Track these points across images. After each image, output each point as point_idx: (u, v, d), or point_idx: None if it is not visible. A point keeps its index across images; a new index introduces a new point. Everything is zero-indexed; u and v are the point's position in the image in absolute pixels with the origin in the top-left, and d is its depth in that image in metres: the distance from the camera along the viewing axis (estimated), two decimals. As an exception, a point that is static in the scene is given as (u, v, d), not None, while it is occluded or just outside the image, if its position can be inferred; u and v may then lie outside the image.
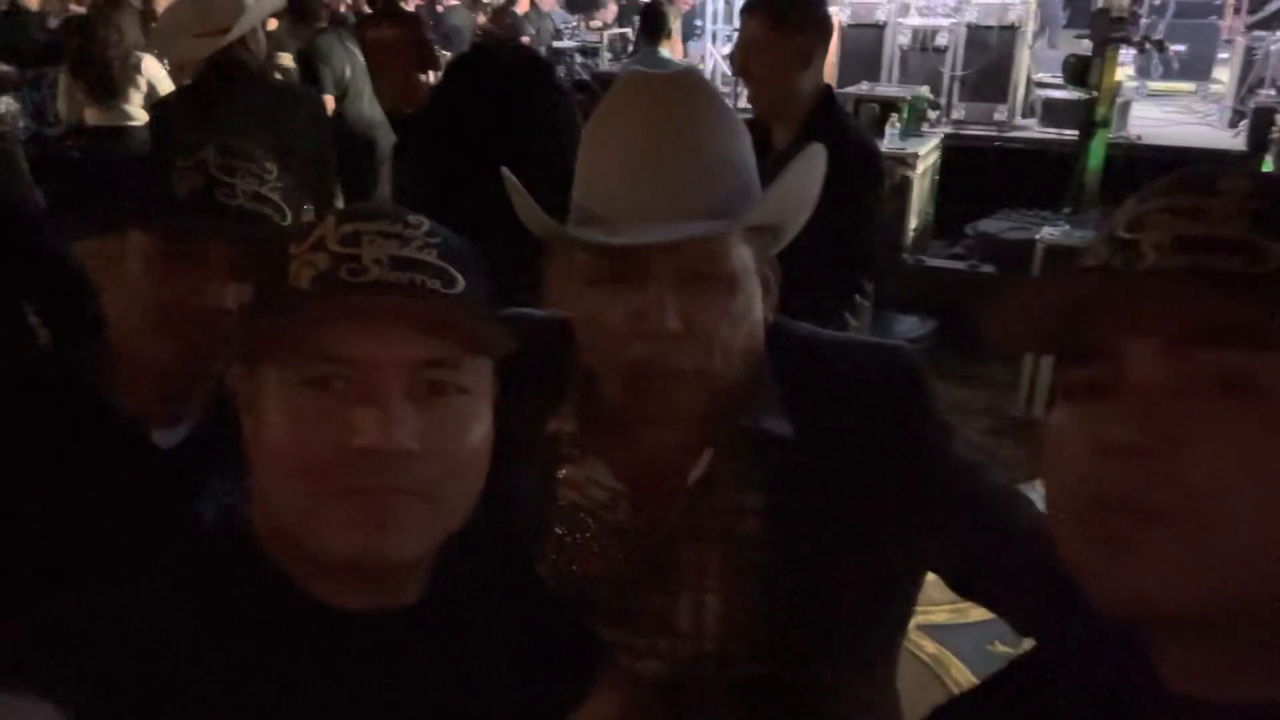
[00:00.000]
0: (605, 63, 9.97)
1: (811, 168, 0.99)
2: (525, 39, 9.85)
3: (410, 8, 8.30)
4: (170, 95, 3.30)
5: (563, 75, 9.12)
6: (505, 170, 1.00)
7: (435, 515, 0.73)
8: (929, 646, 2.89)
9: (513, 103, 1.73)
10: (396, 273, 0.70)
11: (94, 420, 1.09)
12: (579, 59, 9.98)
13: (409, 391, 0.71)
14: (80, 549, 0.93)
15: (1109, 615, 0.58)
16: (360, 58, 5.01)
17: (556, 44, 10.67)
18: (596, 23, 12.10)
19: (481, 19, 10.72)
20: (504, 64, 1.84)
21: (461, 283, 0.72)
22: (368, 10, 7.89)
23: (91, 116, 4.97)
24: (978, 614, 3.08)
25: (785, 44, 2.43)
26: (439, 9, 10.51)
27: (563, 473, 1.04)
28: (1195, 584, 0.54)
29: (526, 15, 11.14)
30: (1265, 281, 0.54)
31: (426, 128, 1.96)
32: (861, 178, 2.34)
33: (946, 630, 2.90)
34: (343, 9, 9.63)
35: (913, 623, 1.17)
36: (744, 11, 2.63)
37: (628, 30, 10.14)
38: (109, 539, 0.86)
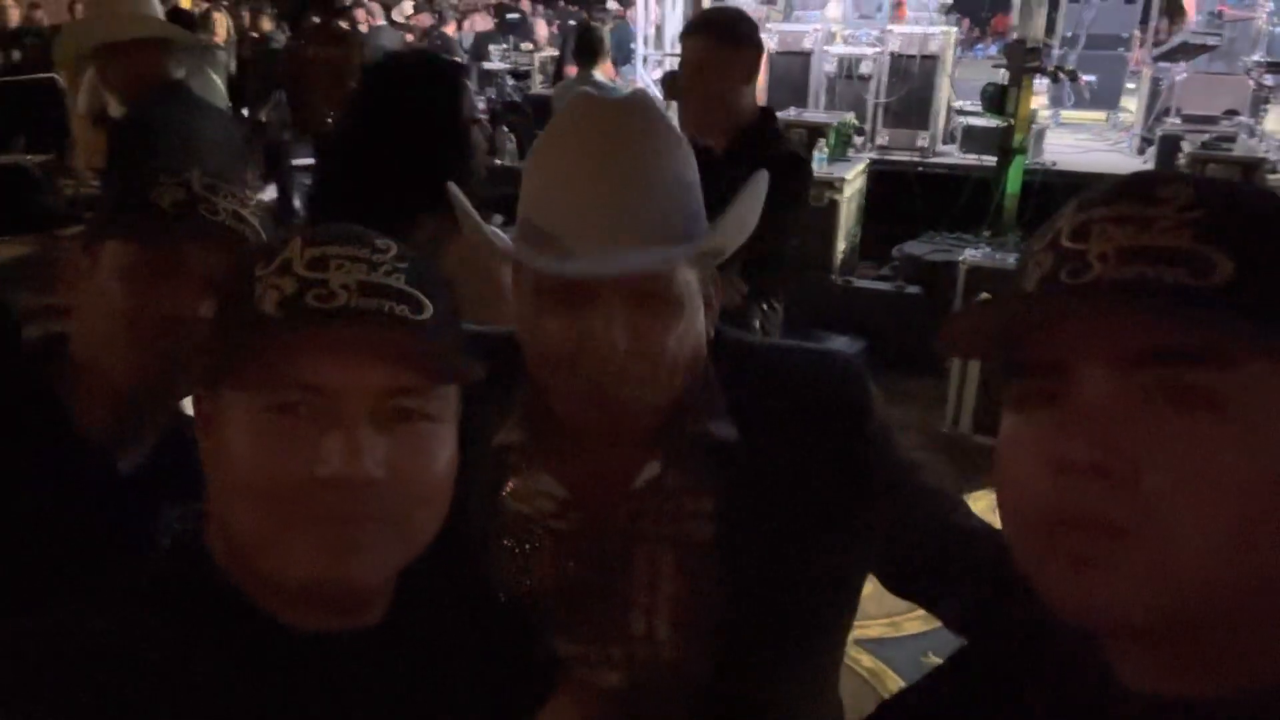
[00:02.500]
0: (537, 85, 9.99)
1: (758, 192, 1.01)
2: (458, 59, 9.82)
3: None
4: (121, 119, 3.24)
5: (494, 97, 9.12)
6: (453, 188, 1.00)
7: (401, 541, 0.73)
8: (865, 660, 2.93)
9: (408, 106, 1.75)
10: (365, 299, 0.69)
11: (54, 440, 1.07)
12: (511, 81, 9.99)
13: (375, 419, 0.70)
14: (32, 574, 0.91)
15: (1072, 627, 0.59)
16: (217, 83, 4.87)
17: (488, 65, 10.67)
18: (528, 45, 12.14)
19: (410, 38, 10.68)
20: (400, 69, 1.86)
21: (429, 308, 0.72)
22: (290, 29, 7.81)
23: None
24: (912, 627, 3.15)
25: (735, 60, 2.56)
26: (363, 29, 10.42)
27: (510, 485, 1.04)
28: (1157, 596, 0.55)
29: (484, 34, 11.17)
30: (1213, 294, 0.53)
31: (336, 140, 1.97)
32: (796, 180, 2.53)
33: (882, 644, 2.94)
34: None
35: (849, 637, 1.19)
36: (690, 34, 2.71)
37: (557, 53, 10.21)
38: (61, 564, 0.84)
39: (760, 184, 1.02)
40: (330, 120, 6.42)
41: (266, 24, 9.08)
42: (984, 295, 4.14)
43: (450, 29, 11.70)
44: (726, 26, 2.61)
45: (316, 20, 7.07)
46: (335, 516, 0.69)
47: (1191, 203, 0.56)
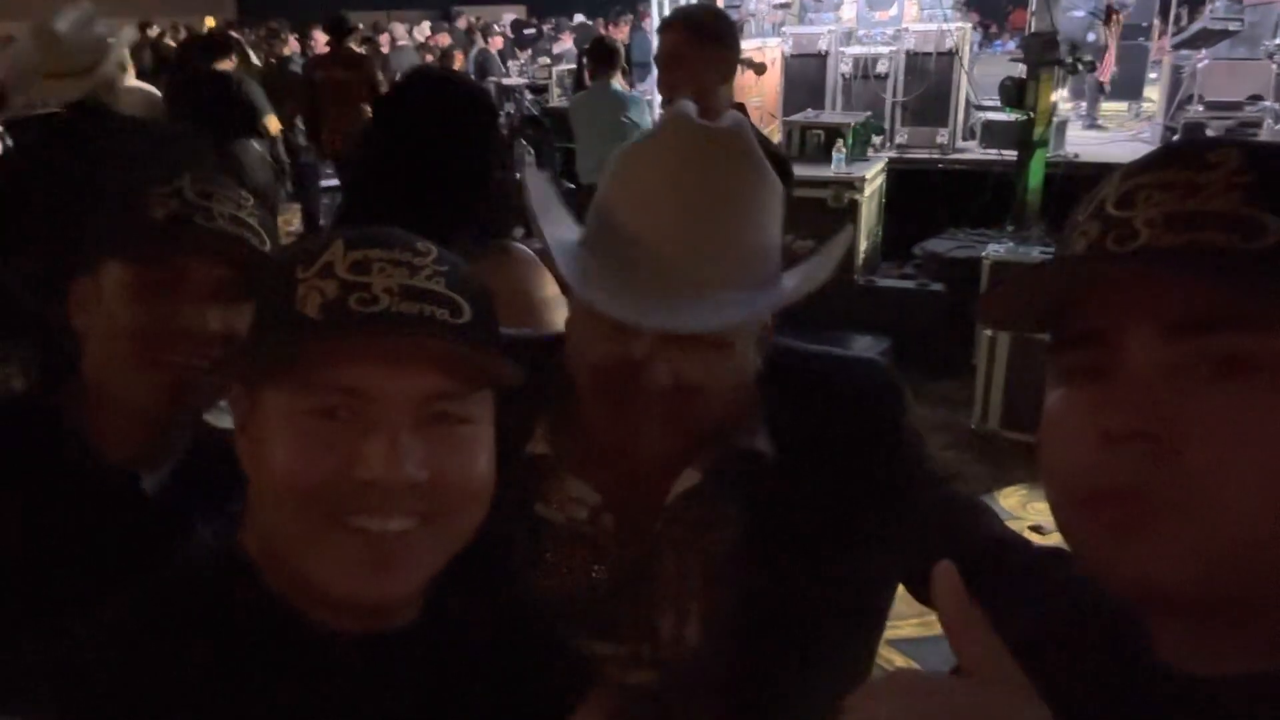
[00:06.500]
0: (555, 98, 10.05)
1: (836, 258, 0.98)
2: (493, 78, 9.92)
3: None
4: (32, 140, 3.06)
5: (512, 111, 9.19)
6: (539, 221, 0.96)
7: (439, 545, 0.74)
8: (898, 660, 2.91)
9: (434, 124, 1.76)
10: (407, 303, 0.69)
11: (74, 467, 1.07)
12: (529, 95, 10.06)
13: (415, 422, 0.70)
14: (62, 601, 0.91)
15: (1119, 598, 0.58)
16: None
17: (506, 81, 10.75)
18: (545, 60, 12.26)
19: (429, 59, 10.78)
20: (424, 89, 1.87)
21: (468, 312, 0.72)
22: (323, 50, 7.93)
23: None
24: (945, 627, 3.11)
25: (705, 57, 2.52)
26: (384, 51, 10.54)
27: (544, 490, 1.04)
28: (1201, 566, 0.54)
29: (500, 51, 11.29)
30: (1264, 257, 0.52)
31: (360, 161, 1.98)
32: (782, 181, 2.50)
33: (915, 644, 2.93)
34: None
35: (880, 638, 1.18)
36: (663, 28, 2.70)
37: (574, 67, 10.29)
38: (91, 591, 0.85)
39: (844, 239, 0.99)
40: (345, 142, 6.49)
41: (284, 48, 9.20)
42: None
43: (496, 44, 11.85)
44: (705, 23, 2.60)
45: (331, 44, 7.17)
46: (374, 521, 0.70)
47: (1240, 167, 0.55)
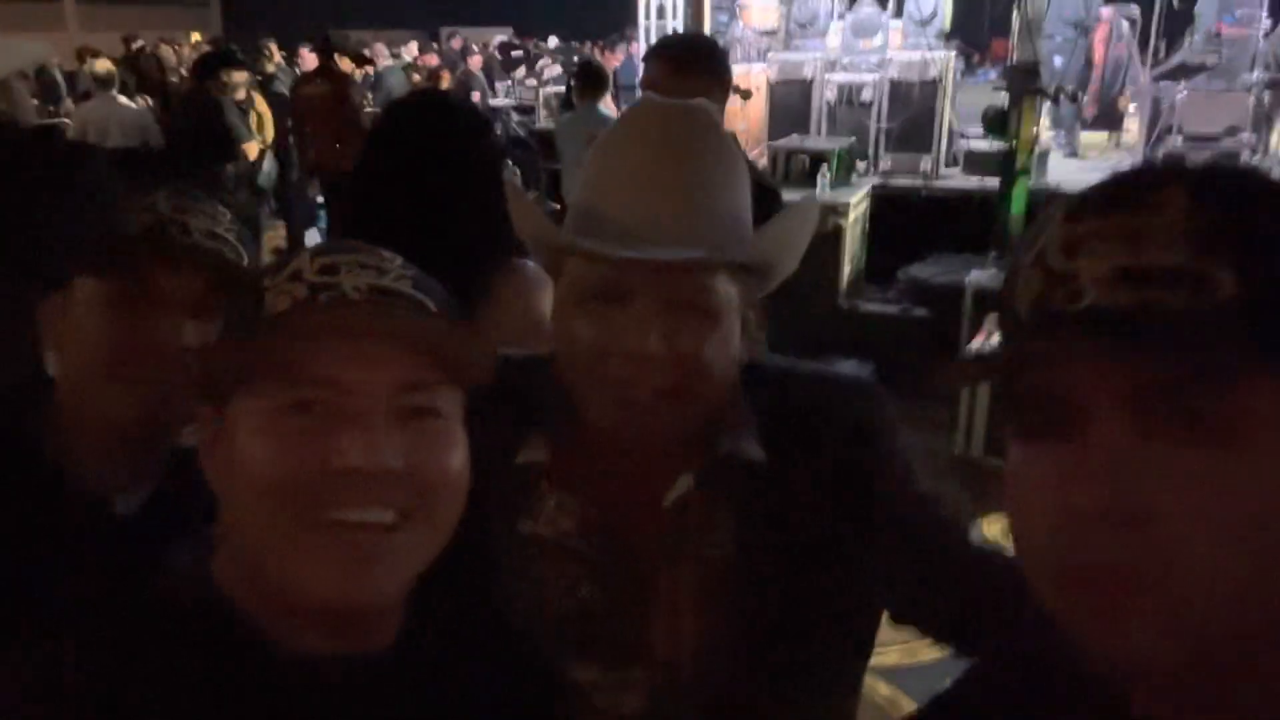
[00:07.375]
0: (542, 120, 10.08)
1: (806, 217, 1.02)
2: (475, 94, 9.94)
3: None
4: None
5: (499, 132, 9.21)
6: (509, 178, 1.00)
7: (417, 544, 0.73)
8: (882, 689, 2.90)
9: (433, 148, 1.75)
10: (375, 298, 0.71)
11: (46, 491, 1.04)
12: (516, 117, 10.09)
13: (389, 414, 0.71)
14: (31, 628, 0.89)
15: (1098, 671, 0.57)
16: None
17: (493, 102, 10.77)
18: (532, 81, 12.30)
19: (416, 79, 10.80)
20: (424, 112, 1.86)
21: (434, 309, 0.74)
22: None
23: None
24: (928, 655, 3.11)
25: (687, 87, 2.54)
26: (370, 71, 10.55)
27: (531, 506, 1.03)
28: (1180, 638, 0.52)
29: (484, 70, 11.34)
30: (1218, 315, 0.50)
31: (356, 181, 1.97)
32: (767, 213, 2.49)
33: (899, 672, 2.91)
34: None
35: (866, 664, 1.18)
36: (648, 57, 2.72)
37: (562, 89, 10.35)
38: (62, 618, 0.82)
39: (809, 209, 1.02)
40: (327, 158, 6.50)
41: (269, 66, 9.19)
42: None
43: (475, 63, 11.89)
44: (687, 53, 2.62)
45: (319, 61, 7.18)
46: (351, 515, 0.69)
47: (1186, 210, 0.52)
